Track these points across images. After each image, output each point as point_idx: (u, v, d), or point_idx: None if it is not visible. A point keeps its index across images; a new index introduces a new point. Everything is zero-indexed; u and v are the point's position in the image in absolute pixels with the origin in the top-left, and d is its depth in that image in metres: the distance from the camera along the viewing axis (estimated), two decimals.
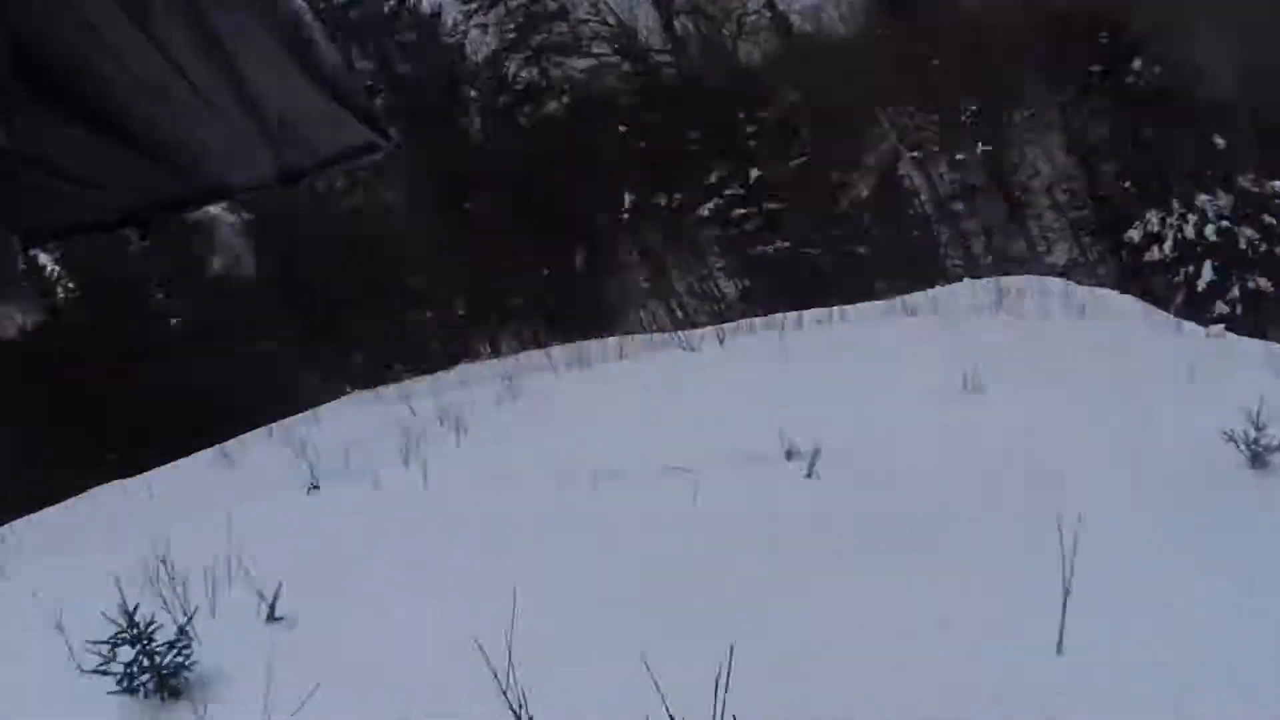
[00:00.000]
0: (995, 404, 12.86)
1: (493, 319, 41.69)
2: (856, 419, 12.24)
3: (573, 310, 41.04)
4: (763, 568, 8.25)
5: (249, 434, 20.27)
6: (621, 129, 44.09)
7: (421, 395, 19.28)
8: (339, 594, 8.63)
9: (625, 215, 42.37)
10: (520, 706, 5.10)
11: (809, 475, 10.51)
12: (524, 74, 45.69)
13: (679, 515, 9.53)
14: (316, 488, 12.70)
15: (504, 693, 5.12)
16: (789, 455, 11.04)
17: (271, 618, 8.44)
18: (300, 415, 21.95)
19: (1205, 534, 8.81)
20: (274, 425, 20.61)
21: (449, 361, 30.36)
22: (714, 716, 4.79)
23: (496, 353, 36.23)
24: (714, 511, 9.48)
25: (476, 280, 39.66)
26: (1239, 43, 57.99)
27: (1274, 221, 42.39)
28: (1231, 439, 10.51)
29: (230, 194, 1.07)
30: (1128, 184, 45.84)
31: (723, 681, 4.87)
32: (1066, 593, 6.71)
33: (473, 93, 44.14)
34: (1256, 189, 42.87)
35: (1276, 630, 6.72)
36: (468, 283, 40.06)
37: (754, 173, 40.73)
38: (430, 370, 27.11)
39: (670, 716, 4.85)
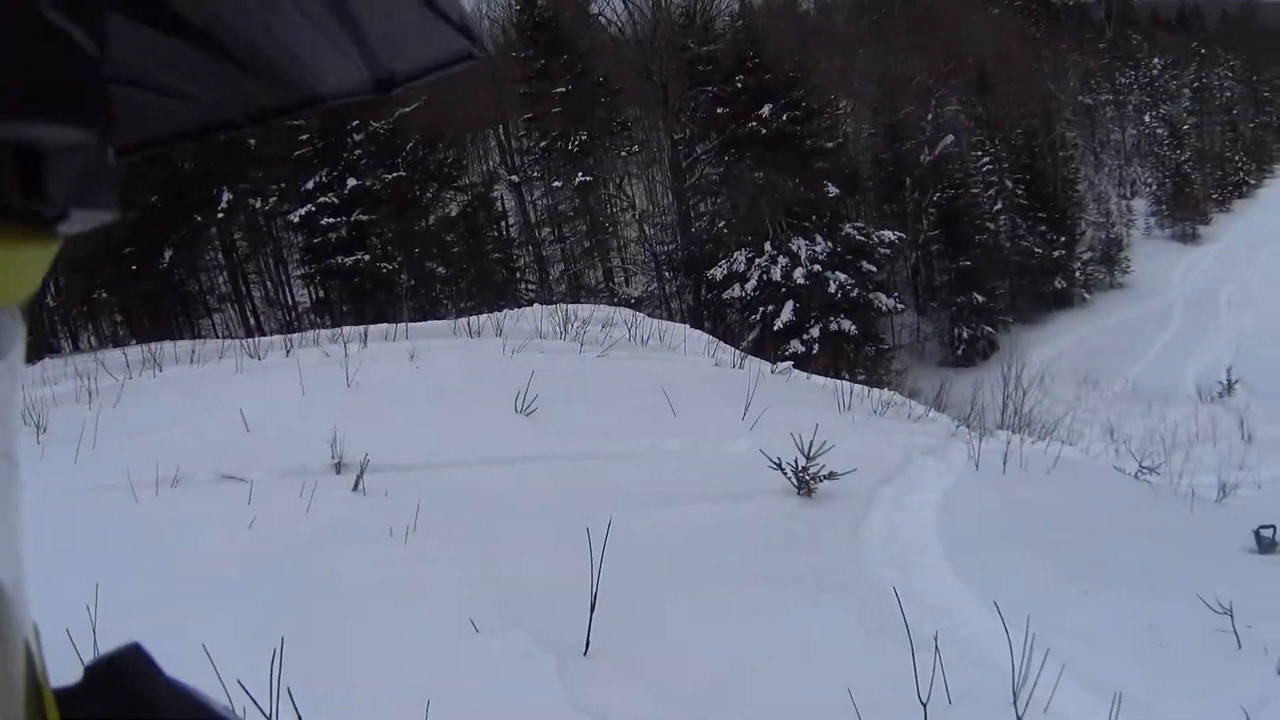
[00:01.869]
0: (544, 427, 13.48)
1: (77, 314, 40.55)
2: (410, 435, 12.75)
3: (156, 309, 40.69)
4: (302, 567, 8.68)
5: None
6: None
7: None
8: None
9: (220, 214, 41.71)
10: None
11: (355, 489, 10.83)
12: None
13: (236, 520, 9.75)
14: None
15: None
16: (338, 469, 11.33)
17: None
18: None
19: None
20: None
21: (33, 355, 29.43)
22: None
23: (76, 347, 35.13)
24: (265, 519, 9.74)
25: (70, 272, 38.73)
26: (876, 97, 60.51)
27: (873, 269, 44.08)
28: (779, 467, 11.34)
29: (322, 103, 1.04)
30: (722, 224, 47.36)
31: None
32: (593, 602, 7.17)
33: None
34: (862, 238, 44.03)
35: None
36: (59, 273, 38.91)
37: (351, 182, 40.71)
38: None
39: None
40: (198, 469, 11.41)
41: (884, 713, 6.11)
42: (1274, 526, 12.30)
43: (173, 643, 6.55)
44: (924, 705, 5.90)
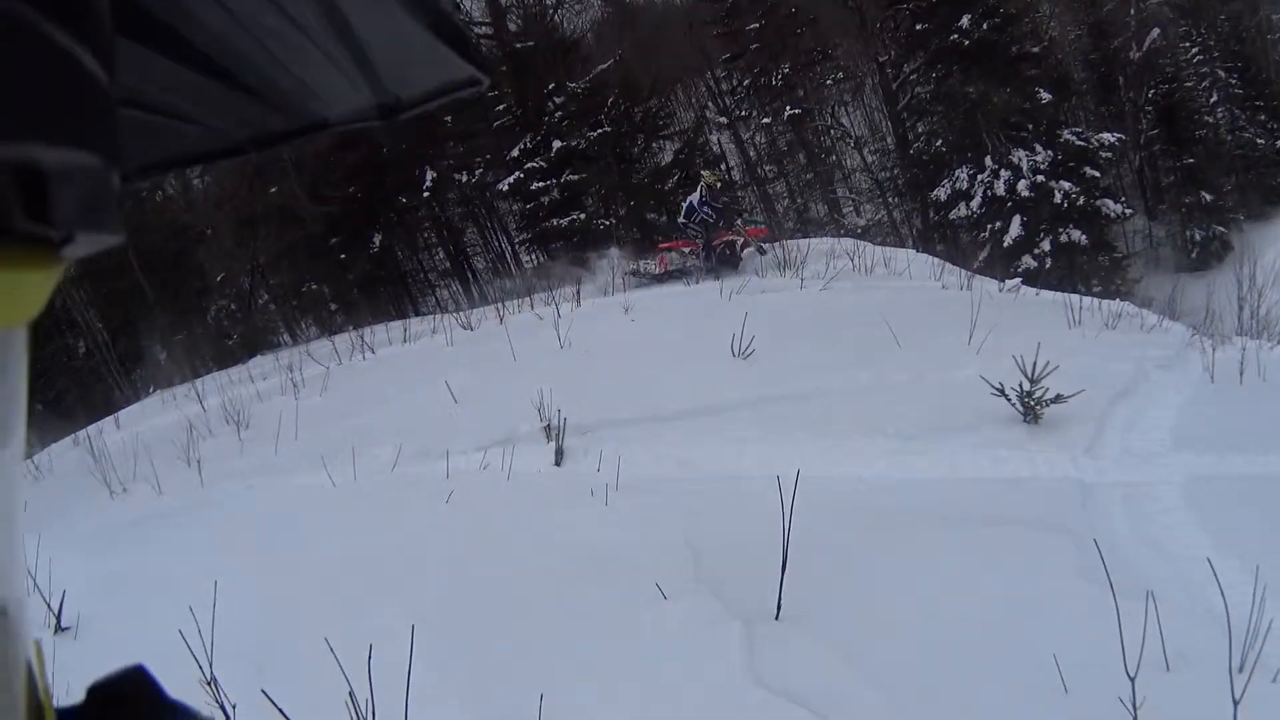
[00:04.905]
0: (761, 370, 13.04)
1: (290, 309, 41.07)
2: (620, 392, 12.54)
3: (372, 294, 40.96)
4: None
5: (57, 444, 19.11)
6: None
7: (213, 391, 18.90)
8: (123, 605, 8.34)
9: (426, 193, 41.82)
10: None
11: (558, 452, 10.69)
12: None
13: (432, 496, 9.71)
14: (123, 491, 12.33)
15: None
16: (546, 433, 11.09)
17: (59, 628, 8.19)
18: (104, 420, 21.11)
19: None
20: (80, 433, 19.49)
21: (250, 353, 29.77)
22: None
23: (294, 341, 35.56)
24: (464, 492, 9.71)
25: (277, 268, 39.43)
26: None
27: (1096, 174, 42.40)
28: (1002, 393, 10.77)
29: (329, 128, 1.06)
30: (940, 142, 45.82)
31: None
32: (784, 563, 6.80)
33: None
34: (1082, 142, 42.69)
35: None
36: (269, 271, 39.69)
37: (556, 144, 40.31)
38: (232, 363, 26.24)
39: None
40: (399, 448, 11.42)
41: (1093, 681, 5.57)
42: None
43: (365, 622, 6.31)
44: (1131, 680, 5.26)
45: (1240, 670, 5.48)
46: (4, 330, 0.53)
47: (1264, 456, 9.62)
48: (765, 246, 23.89)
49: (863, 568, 7.42)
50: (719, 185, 27.32)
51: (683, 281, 23.16)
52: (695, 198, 25.27)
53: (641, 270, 25.80)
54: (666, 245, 26.26)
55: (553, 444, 10.85)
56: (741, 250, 24.20)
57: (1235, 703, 5.00)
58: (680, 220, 25.92)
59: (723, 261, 23.87)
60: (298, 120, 0.99)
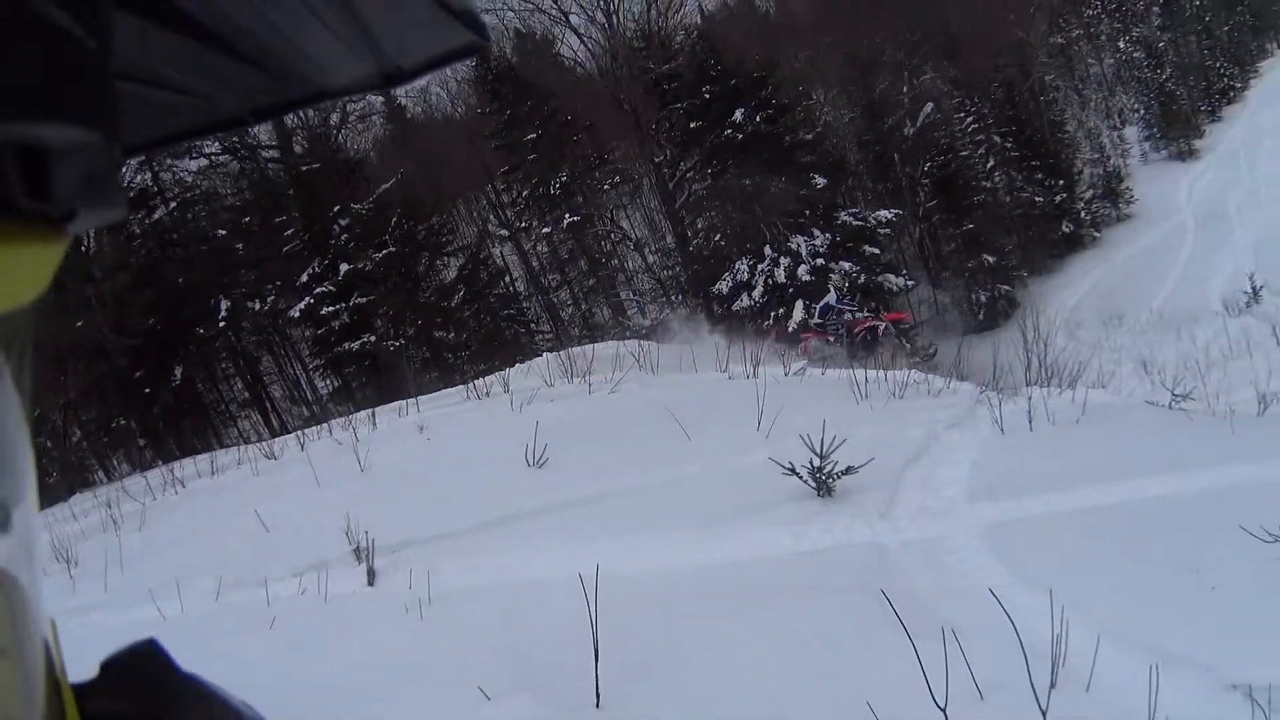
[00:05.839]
0: (556, 476, 13.38)
1: (101, 445, 40.58)
2: (421, 510, 12.75)
3: (177, 427, 40.53)
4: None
5: None
6: (220, 232, 43.76)
7: (39, 530, 18.32)
8: None
9: (222, 323, 41.69)
10: None
11: (370, 573, 10.84)
12: (137, 179, 43.45)
13: (256, 622, 9.79)
14: None
15: None
16: (355, 555, 11.33)
17: None
18: None
19: None
20: None
21: (69, 490, 29.32)
22: None
23: (109, 477, 35.11)
24: (284, 617, 9.83)
25: (87, 403, 38.88)
26: (849, 80, 60.08)
27: (876, 251, 43.39)
28: (793, 472, 11.16)
29: (330, 98, 1.07)
30: (719, 236, 46.37)
31: None
32: (596, 653, 7.00)
33: None
34: (859, 222, 43.53)
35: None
36: (79, 407, 39.07)
37: (344, 267, 40.40)
38: (53, 502, 25.85)
39: None
40: (220, 578, 11.44)
41: None
42: None
43: None
44: (943, 710, 5.71)
45: (1054, 687, 5.98)
46: (10, 308, 0.57)
47: (1057, 495, 10.26)
48: (905, 325, 25.93)
49: (675, 649, 7.72)
50: (845, 286, 31.20)
51: (822, 367, 23.97)
52: (831, 298, 29.11)
53: (785, 362, 25.65)
54: (807, 335, 29.35)
55: (364, 565, 11.02)
56: (882, 335, 27.59)
57: (1044, 713, 5.53)
58: (815, 321, 29.40)
59: (863, 346, 26.83)
60: (298, 90, 1.03)
